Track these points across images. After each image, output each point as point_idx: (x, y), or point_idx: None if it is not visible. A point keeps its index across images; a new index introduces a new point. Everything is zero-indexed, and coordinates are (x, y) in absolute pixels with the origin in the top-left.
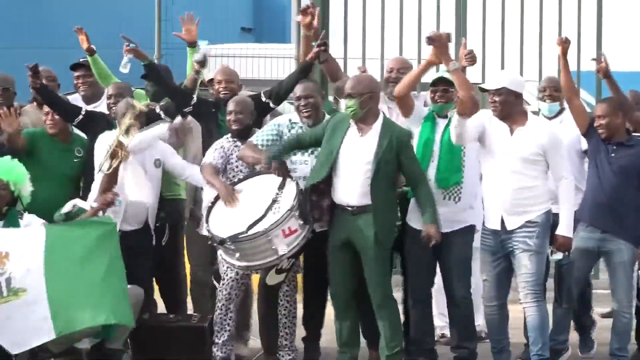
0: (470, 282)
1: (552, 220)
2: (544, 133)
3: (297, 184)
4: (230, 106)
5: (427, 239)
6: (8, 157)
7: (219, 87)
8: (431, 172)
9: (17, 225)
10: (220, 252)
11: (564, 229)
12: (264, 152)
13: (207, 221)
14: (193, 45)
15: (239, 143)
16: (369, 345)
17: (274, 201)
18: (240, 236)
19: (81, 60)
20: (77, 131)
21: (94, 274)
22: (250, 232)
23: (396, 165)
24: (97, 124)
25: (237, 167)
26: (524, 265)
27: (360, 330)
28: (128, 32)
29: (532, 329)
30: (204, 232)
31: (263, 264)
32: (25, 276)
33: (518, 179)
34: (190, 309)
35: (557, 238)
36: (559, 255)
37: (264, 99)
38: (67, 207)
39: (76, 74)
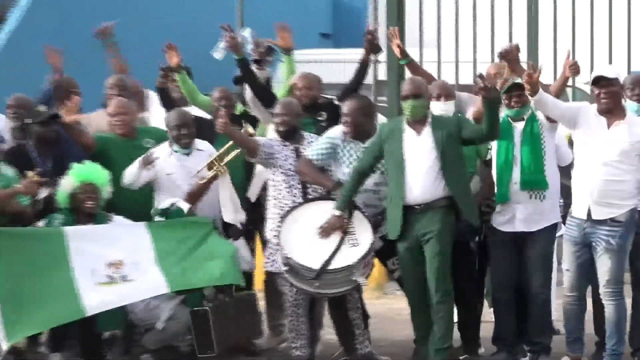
0: (551, 278)
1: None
2: None
3: (365, 214)
4: (277, 109)
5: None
6: (88, 162)
7: (299, 93)
8: (515, 176)
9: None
10: (287, 275)
11: None
12: (330, 180)
13: (282, 242)
14: (288, 51)
15: (287, 143)
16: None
17: (347, 232)
18: (327, 270)
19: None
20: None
21: (202, 253)
22: (337, 266)
23: (460, 147)
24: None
25: (281, 166)
26: (605, 263)
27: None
28: (209, 39)
29: (610, 325)
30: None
31: (338, 293)
32: (137, 267)
33: (610, 171)
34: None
35: None
36: None
37: (336, 102)
38: (166, 204)
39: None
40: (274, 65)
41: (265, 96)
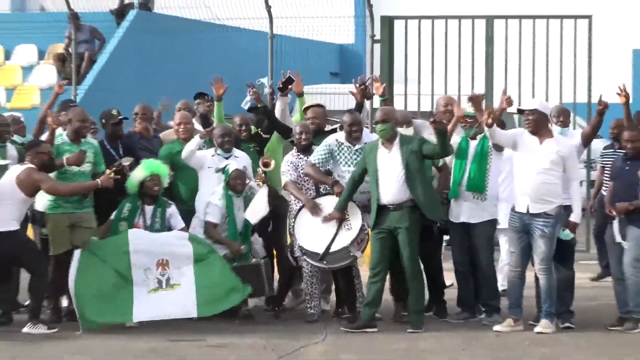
0: (493, 256)
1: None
2: (565, 145)
3: (357, 204)
4: (298, 129)
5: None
6: (152, 158)
7: (310, 121)
8: (464, 181)
9: (164, 210)
10: (305, 257)
11: (576, 216)
12: (329, 178)
13: (295, 233)
14: (300, 95)
15: (302, 156)
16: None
17: (343, 220)
18: (329, 252)
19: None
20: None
21: (222, 282)
22: (337, 248)
23: (421, 160)
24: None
25: (299, 176)
26: (539, 246)
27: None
28: (247, 77)
29: (544, 292)
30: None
31: (343, 265)
32: (180, 275)
33: (543, 177)
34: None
35: (570, 222)
36: (570, 235)
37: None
38: (222, 165)
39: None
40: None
41: (282, 130)
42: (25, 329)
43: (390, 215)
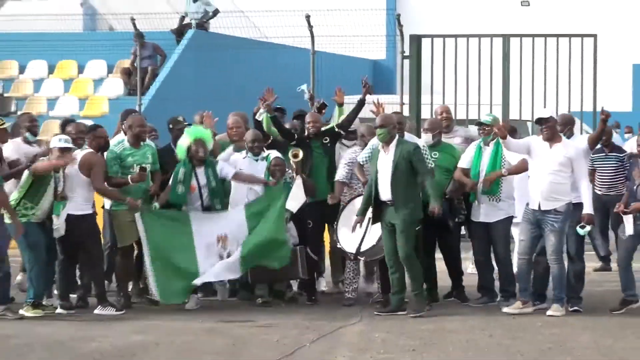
0: (509, 247)
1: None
2: (572, 149)
3: None
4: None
5: (432, 213)
6: (201, 126)
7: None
8: (480, 185)
9: (214, 168)
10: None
11: (588, 208)
12: (365, 177)
13: (337, 231)
14: (341, 105)
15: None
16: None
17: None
18: (360, 252)
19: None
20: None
21: (274, 236)
22: (367, 247)
23: (410, 168)
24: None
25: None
26: (551, 239)
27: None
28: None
29: (555, 279)
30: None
31: (378, 258)
32: (237, 244)
33: (553, 177)
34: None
35: (584, 216)
36: (587, 229)
37: (336, 129)
38: (265, 154)
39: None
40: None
41: (287, 135)
42: (96, 311)
43: (389, 210)
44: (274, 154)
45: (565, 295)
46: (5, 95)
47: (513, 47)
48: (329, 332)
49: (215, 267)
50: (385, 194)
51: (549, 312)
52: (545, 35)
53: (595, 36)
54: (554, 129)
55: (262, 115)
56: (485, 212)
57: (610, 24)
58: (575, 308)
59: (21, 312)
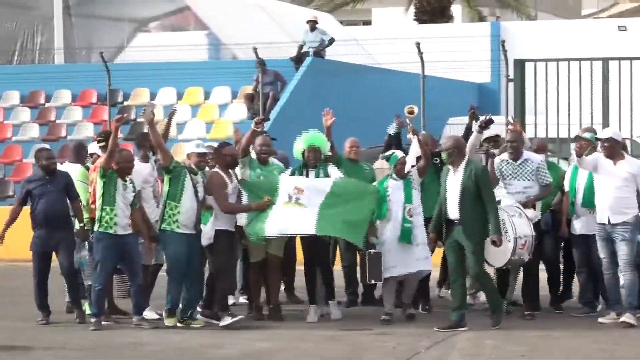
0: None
1: None
2: (635, 165)
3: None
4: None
5: (493, 244)
6: (317, 130)
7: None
8: (579, 198)
9: (326, 170)
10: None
11: None
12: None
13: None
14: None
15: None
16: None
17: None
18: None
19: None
20: None
21: (354, 213)
22: (502, 263)
23: (477, 189)
24: None
25: None
26: (622, 249)
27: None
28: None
29: (627, 288)
30: None
31: (521, 263)
32: (309, 202)
33: (619, 192)
34: None
35: None
36: None
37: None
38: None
39: None
40: None
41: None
42: (221, 323)
43: (457, 229)
44: (399, 153)
45: (637, 303)
46: (138, 120)
47: (612, 69)
48: (443, 339)
49: (286, 216)
50: (453, 212)
51: (622, 319)
52: None
53: None
54: (613, 147)
55: (393, 130)
56: (585, 225)
57: None
58: None
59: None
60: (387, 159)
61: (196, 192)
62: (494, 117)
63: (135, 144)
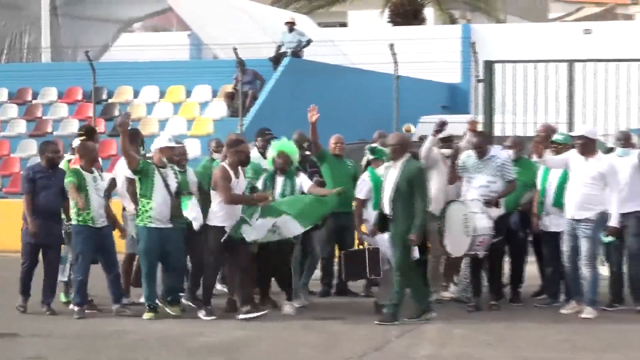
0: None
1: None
2: (606, 164)
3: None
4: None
5: (410, 242)
6: (285, 139)
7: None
8: (549, 198)
9: (294, 179)
10: None
11: (614, 222)
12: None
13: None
14: None
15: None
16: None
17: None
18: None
19: None
20: None
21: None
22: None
23: (410, 188)
24: None
25: None
26: (584, 245)
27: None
28: (374, 109)
29: (589, 283)
30: None
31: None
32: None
33: (586, 189)
34: None
35: (608, 228)
36: (610, 238)
37: None
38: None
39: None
40: None
41: None
42: (240, 316)
43: (391, 224)
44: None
45: (597, 299)
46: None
47: (577, 71)
48: (412, 328)
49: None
50: (387, 208)
51: (583, 315)
52: (607, 60)
53: None
54: (586, 145)
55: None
56: (555, 222)
57: None
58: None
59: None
60: (373, 151)
61: (167, 185)
62: (464, 117)
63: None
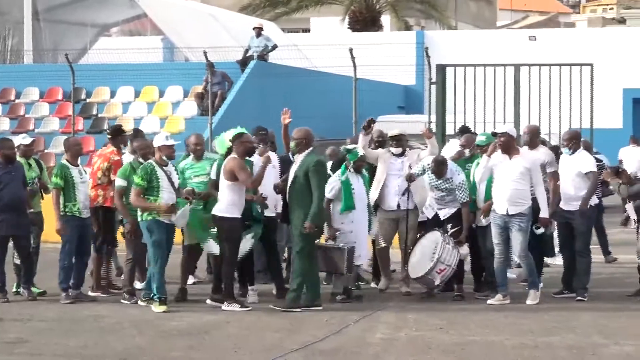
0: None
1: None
2: (529, 160)
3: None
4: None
5: (304, 229)
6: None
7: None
8: (480, 194)
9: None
10: None
11: (544, 213)
12: None
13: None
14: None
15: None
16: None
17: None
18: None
19: None
20: None
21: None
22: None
23: (307, 180)
24: None
25: None
26: (518, 238)
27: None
28: (336, 108)
29: (526, 273)
30: None
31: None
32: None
33: (515, 184)
34: None
35: (541, 219)
36: (541, 230)
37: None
38: (351, 147)
39: None
40: None
41: None
42: (223, 307)
43: (290, 213)
44: (360, 150)
45: (538, 280)
46: (100, 116)
47: (523, 74)
48: (369, 314)
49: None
50: (287, 198)
51: (528, 301)
52: (550, 65)
53: (591, 65)
54: (508, 142)
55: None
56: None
57: (604, 55)
58: (579, 298)
59: (153, 308)
60: (349, 151)
61: (170, 180)
62: (418, 116)
63: (109, 138)
